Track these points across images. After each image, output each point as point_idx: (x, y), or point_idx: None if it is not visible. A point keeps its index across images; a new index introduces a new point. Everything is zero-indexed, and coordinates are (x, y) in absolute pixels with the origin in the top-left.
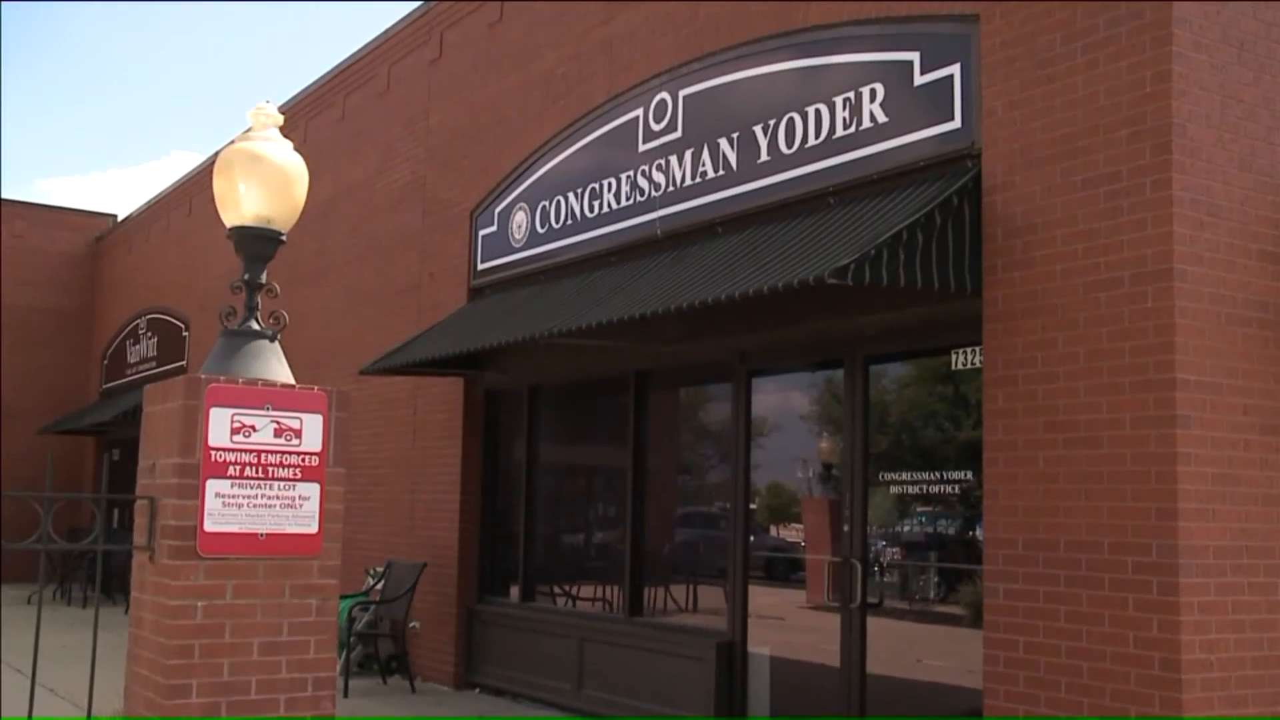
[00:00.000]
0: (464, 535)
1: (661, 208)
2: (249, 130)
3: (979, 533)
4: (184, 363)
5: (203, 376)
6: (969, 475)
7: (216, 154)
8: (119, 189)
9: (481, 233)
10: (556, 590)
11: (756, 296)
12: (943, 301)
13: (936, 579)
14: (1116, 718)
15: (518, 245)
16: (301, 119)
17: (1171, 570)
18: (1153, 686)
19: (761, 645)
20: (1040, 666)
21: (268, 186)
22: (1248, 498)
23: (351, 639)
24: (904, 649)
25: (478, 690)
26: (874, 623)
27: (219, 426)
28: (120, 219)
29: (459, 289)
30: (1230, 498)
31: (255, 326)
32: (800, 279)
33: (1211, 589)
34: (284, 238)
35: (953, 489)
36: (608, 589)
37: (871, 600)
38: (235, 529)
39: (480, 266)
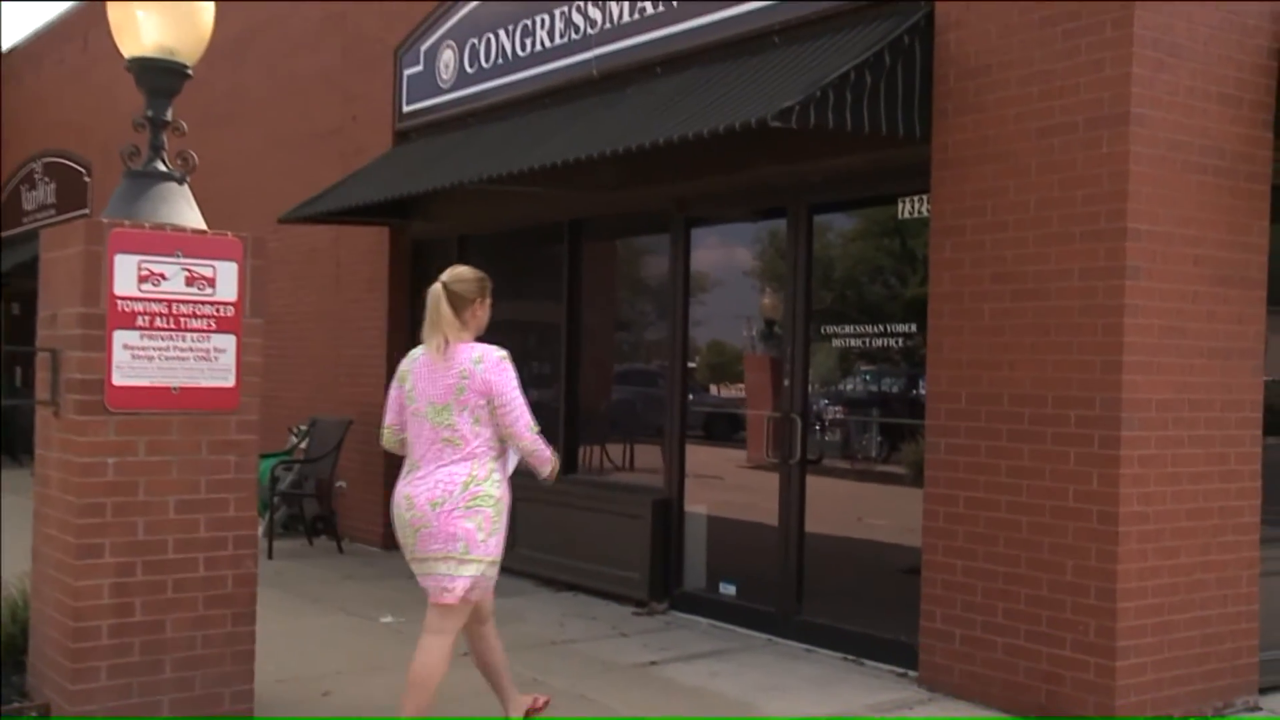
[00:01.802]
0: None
1: (598, 46)
2: None
3: (922, 389)
4: (87, 210)
5: (105, 220)
6: (913, 328)
7: None
8: None
9: (407, 73)
10: None
11: (696, 140)
12: (891, 147)
13: (879, 436)
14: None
15: (445, 86)
16: None
17: (1114, 424)
18: (1090, 539)
19: (699, 504)
20: (979, 521)
21: (169, 13)
22: (1193, 350)
23: (275, 499)
24: (844, 507)
25: None
26: (814, 481)
27: (125, 274)
28: (4, 50)
29: (384, 133)
30: (1176, 350)
31: (162, 168)
32: (742, 121)
33: (1152, 442)
34: (190, 71)
35: (896, 343)
36: None
37: (811, 457)
38: (146, 383)
39: (406, 109)
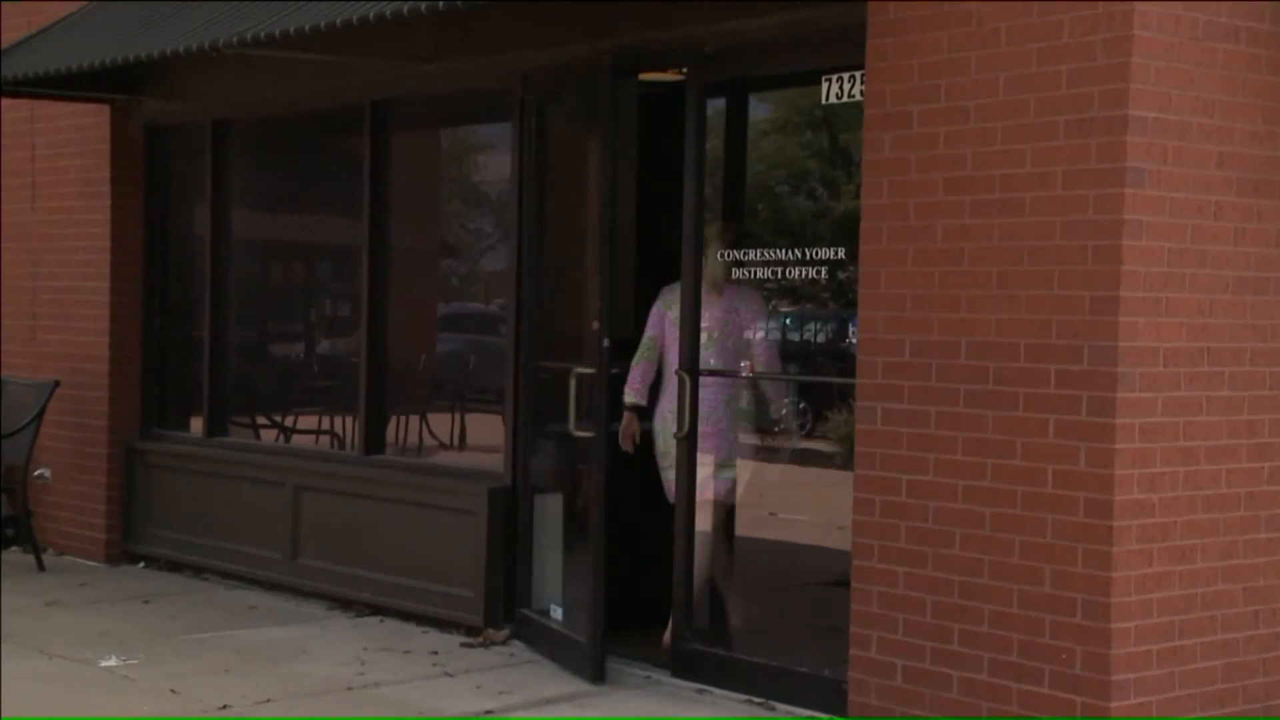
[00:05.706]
0: (118, 341)
1: None
2: None
3: (855, 336)
4: None
5: None
6: (842, 255)
7: None
8: None
9: None
10: (260, 420)
11: None
12: (813, 4)
13: (799, 401)
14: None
15: None
16: None
17: (1108, 382)
18: (1075, 537)
19: (554, 492)
20: (929, 514)
21: None
22: (1214, 282)
23: None
24: (751, 498)
25: (143, 564)
26: (710, 463)
27: None
28: None
29: None
30: (1191, 282)
31: None
32: None
33: (1159, 406)
34: None
35: (821, 275)
36: (336, 419)
37: (705, 429)
38: None
39: None
